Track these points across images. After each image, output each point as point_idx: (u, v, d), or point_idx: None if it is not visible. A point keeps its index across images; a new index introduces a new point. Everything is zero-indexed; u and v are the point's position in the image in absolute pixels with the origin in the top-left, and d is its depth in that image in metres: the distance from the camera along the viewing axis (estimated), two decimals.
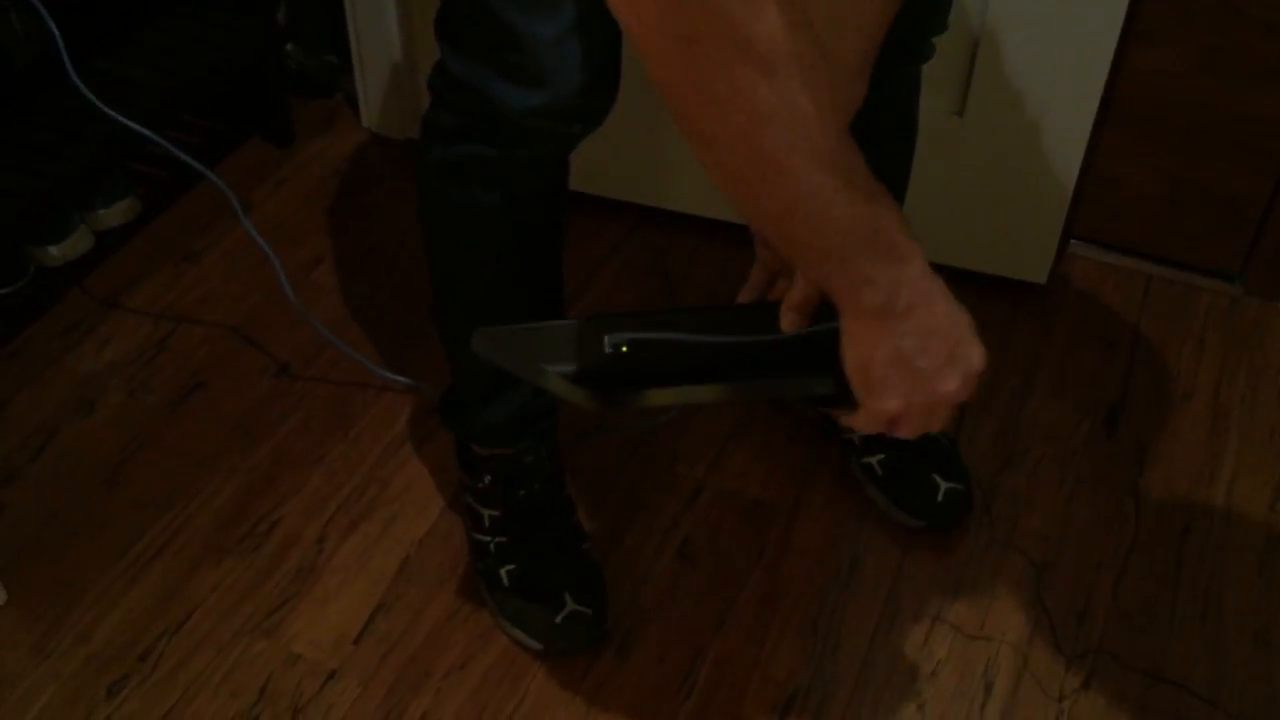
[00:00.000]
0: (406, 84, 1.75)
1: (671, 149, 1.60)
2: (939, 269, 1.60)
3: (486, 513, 1.25)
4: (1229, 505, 1.35)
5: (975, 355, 0.83)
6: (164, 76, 1.59)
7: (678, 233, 1.65)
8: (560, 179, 1.11)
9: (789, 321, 0.87)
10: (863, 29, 0.92)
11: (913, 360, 0.80)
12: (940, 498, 1.31)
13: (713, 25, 0.69)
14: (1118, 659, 1.21)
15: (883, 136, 1.16)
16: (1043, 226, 1.54)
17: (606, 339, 0.86)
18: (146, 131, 1.39)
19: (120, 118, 1.38)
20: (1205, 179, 1.55)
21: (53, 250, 1.54)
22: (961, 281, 1.56)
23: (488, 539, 1.24)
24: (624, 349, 0.86)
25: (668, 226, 1.66)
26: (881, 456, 1.33)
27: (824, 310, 0.87)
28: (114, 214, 1.60)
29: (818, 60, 0.72)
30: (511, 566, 1.22)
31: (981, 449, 1.40)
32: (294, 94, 1.82)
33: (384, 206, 1.70)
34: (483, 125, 1.00)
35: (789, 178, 0.74)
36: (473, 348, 0.88)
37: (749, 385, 0.88)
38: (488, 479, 1.24)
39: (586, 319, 0.89)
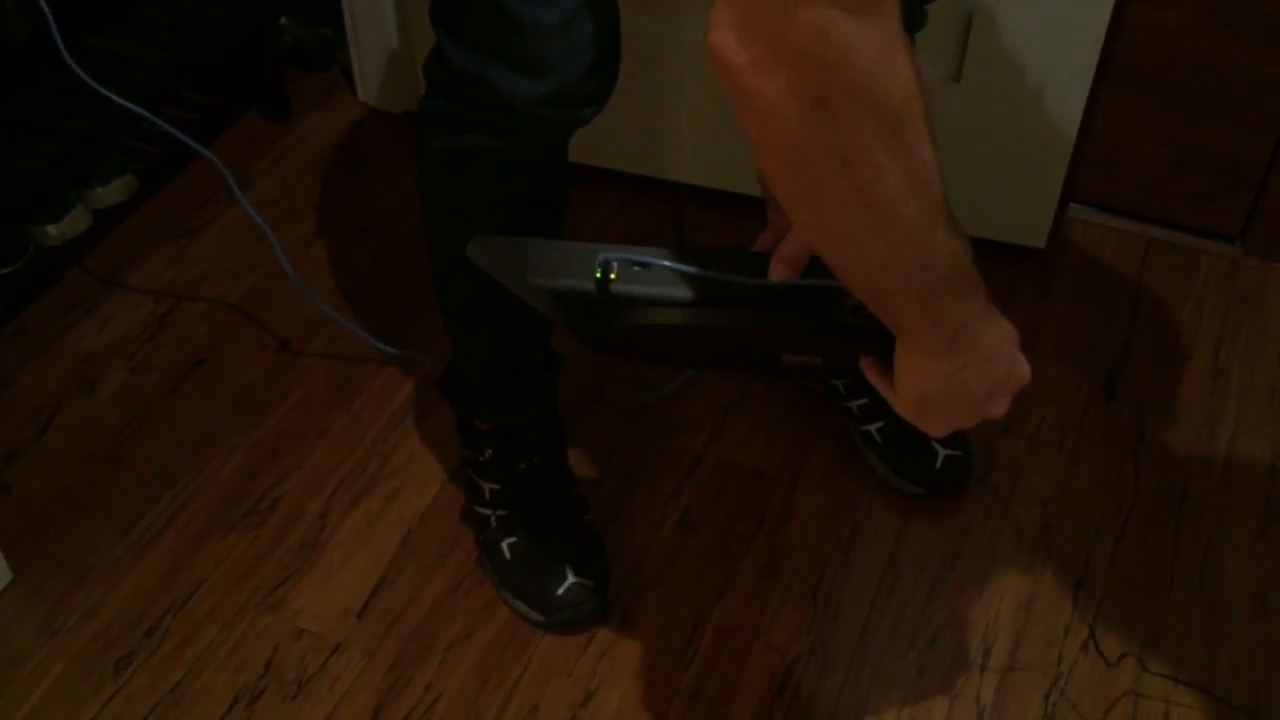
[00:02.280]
0: (403, 57, 1.74)
1: (670, 118, 1.60)
2: None
3: (487, 486, 1.25)
4: (1229, 467, 1.35)
5: (1023, 372, 0.85)
6: (159, 53, 1.58)
7: (678, 203, 1.65)
8: (561, 163, 1.11)
9: (778, 273, 0.86)
10: None
11: (970, 390, 0.81)
12: (939, 464, 1.31)
13: (845, 83, 0.65)
14: (1117, 623, 1.22)
15: None
16: (1042, 190, 1.53)
17: (598, 260, 0.86)
18: (141, 110, 1.39)
19: (114, 96, 1.38)
20: (1205, 140, 1.54)
21: (51, 229, 1.54)
22: None
23: (489, 512, 1.25)
24: (613, 274, 0.86)
25: (668, 197, 1.65)
26: (881, 424, 1.33)
27: (814, 265, 0.86)
28: (112, 192, 1.60)
29: (929, 106, 0.70)
30: (513, 539, 1.23)
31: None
32: (290, 68, 1.81)
33: (382, 180, 1.70)
34: (484, 114, 0.99)
35: (901, 228, 0.72)
36: (468, 253, 0.88)
37: (734, 321, 0.86)
38: (488, 452, 1.25)
39: (586, 243, 0.89)
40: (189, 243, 1.60)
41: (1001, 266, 1.57)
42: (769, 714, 1.15)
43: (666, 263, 0.87)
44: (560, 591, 1.20)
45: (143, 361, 1.46)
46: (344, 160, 1.73)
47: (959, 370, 0.80)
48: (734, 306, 0.87)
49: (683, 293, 0.87)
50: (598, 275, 0.86)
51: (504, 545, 1.23)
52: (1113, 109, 1.55)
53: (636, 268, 0.87)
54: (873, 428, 1.34)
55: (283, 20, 1.82)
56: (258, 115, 1.78)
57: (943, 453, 1.31)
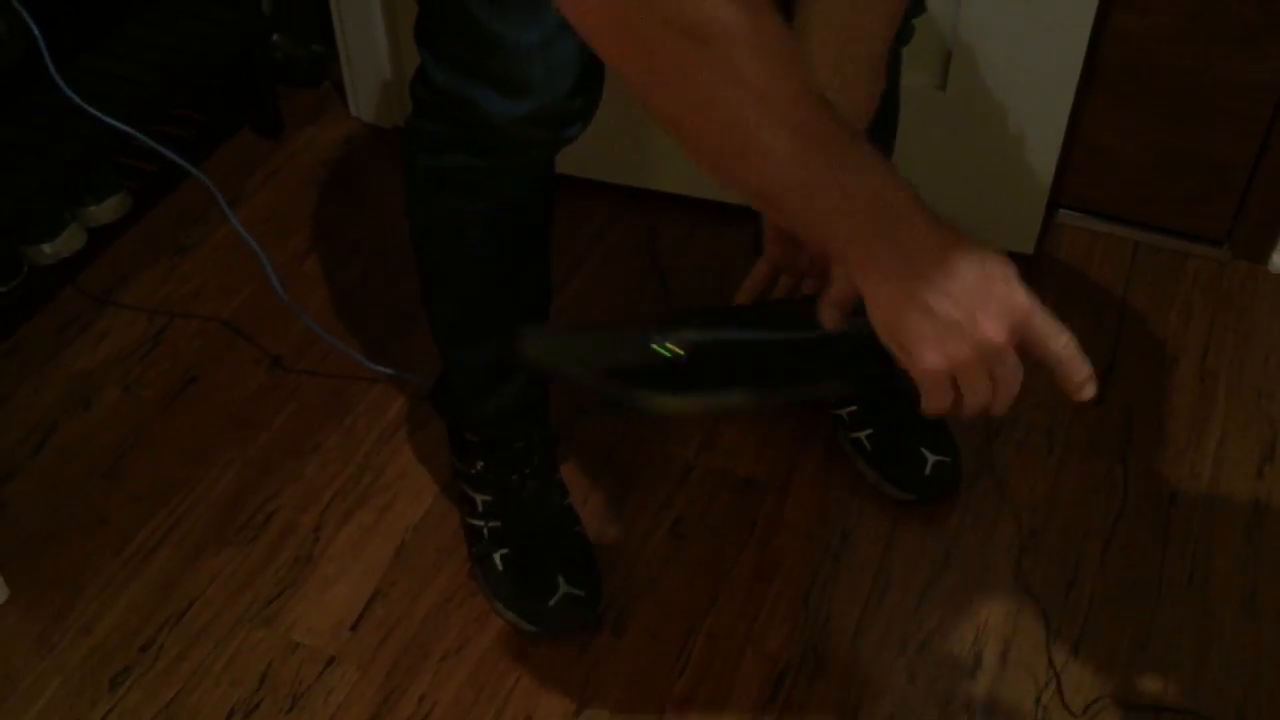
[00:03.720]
0: (394, 72, 1.76)
1: (656, 129, 1.61)
2: None
3: (479, 498, 1.26)
4: (1216, 470, 1.36)
5: (1016, 297, 0.78)
6: (150, 71, 1.59)
7: (665, 213, 1.66)
8: (547, 179, 1.12)
9: (830, 318, 0.86)
10: (884, 19, 0.91)
11: (938, 310, 0.77)
12: (929, 471, 1.32)
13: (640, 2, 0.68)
14: (1106, 626, 1.22)
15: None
16: (1029, 197, 1.54)
17: (657, 341, 0.85)
18: (131, 130, 1.40)
19: (105, 117, 1.39)
20: (1190, 145, 1.55)
21: (45, 248, 1.55)
22: None
23: (481, 524, 1.26)
24: (681, 350, 0.85)
25: (654, 207, 1.67)
26: (870, 431, 1.34)
27: (860, 306, 0.86)
28: (105, 210, 1.61)
29: (767, 30, 0.70)
30: (505, 550, 1.24)
31: (971, 419, 1.41)
32: (282, 84, 1.83)
33: (374, 194, 1.71)
34: (468, 133, 1.00)
35: (763, 153, 0.73)
36: (520, 351, 0.86)
37: (807, 386, 0.87)
38: (479, 464, 1.26)
39: (632, 321, 0.89)
40: (182, 260, 1.61)
41: None
42: None
43: (732, 334, 0.87)
44: (552, 602, 1.21)
45: (137, 379, 1.47)
46: (336, 176, 1.74)
47: (919, 293, 0.77)
48: (808, 369, 0.87)
49: (757, 363, 0.87)
50: (665, 354, 0.85)
51: (496, 557, 1.24)
52: (1098, 115, 1.56)
53: (705, 339, 0.87)
54: (862, 435, 1.34)
55: (274, 37, 1.83)
56: (250, 132, 1.79)
57: (932, 459, 1.32)
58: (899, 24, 0.93)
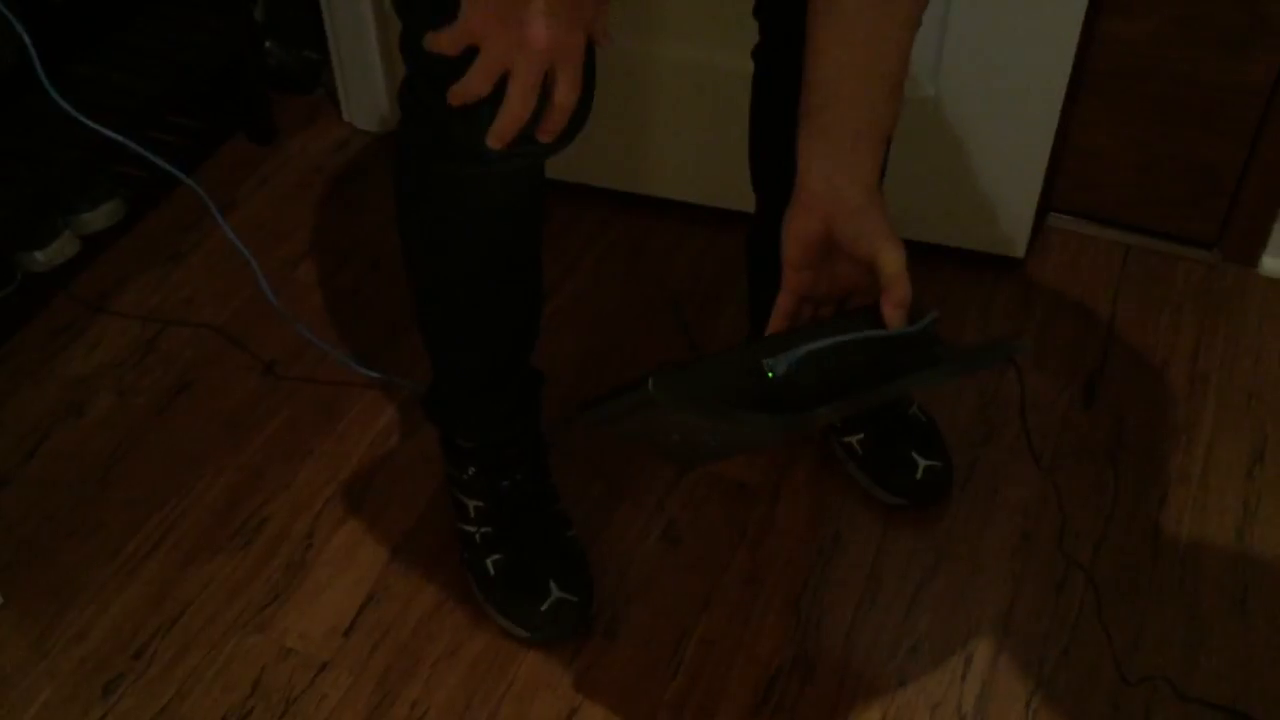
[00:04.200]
0: (387, 78, 1.76)
1: (651, 134, 1.61)
2: (918, 246, 1.62)
3: (471, 503, 1.26)
4: (1206, 473, 1.36)
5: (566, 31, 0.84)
6: (142, 79, 1.60)
7: (657, 218, 1.66)
8: (537, 188, 1.12)
9: (896, 319, 0.90)
10: (903, 28, 0.93)
11: None
12: (919, 475, 1.32)
13: None
14: (1097, 628, 1.23)
15: None
16: (1019, 200, 1.55)
17: (766, 364, 0.87)
18: (124, 139, 1.41)
19: (97, 125, 1.39)
20: (1179, 148, 1.55)
21: (38, 256, 1.56)
22: (940, 258, 1.60)
23: (473, 529, 1.26)
24: (794, 368, 0.87)
25: (647, 212, 1.67)
26: (861, 435, 1.34)
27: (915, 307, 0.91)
28: (98, 217, 1.62)
29: None
30: (497, 556, 1.24)
31: (963, 423, 1.41)
32: (275, 91, 1.83)
33: (368, 200, 1.72)
34: (456, 143, 1.00)
35: None
36: (655, 397, 0.85)
37: (907, 380, 0.89)
38: (472, 470, 1.26)
39: (731, 352, 0.91)
40: (175, 267, 1.61)
41: (981, 276, 1.58)
42: None
43: (829, 341, 0.89)
44: (545, 607, 1.21)
45: (130, 385, 1.47)
46: (330, 182, 1.75)
47: None
48: (899, 367, 0.89)
49: (859, 368, 0.89)
50: (770, 375, 0.87)
51: (488, 562, 1.24)
52: (1088, 119, 1.57)
53: (810, 351, 0.89)
54: (853, 439, 1.35)
55: (267, 44, 1.84)
56: (243, 139, 1.79)
57: (923, 463, 1.32)
58: (917, 29, 0.94)
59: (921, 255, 1.62)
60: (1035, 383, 1.46)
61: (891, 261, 0.91)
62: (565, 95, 0.88)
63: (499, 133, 0.88)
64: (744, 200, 1.31)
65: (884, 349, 0.91)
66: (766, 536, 1.31)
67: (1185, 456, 1.38)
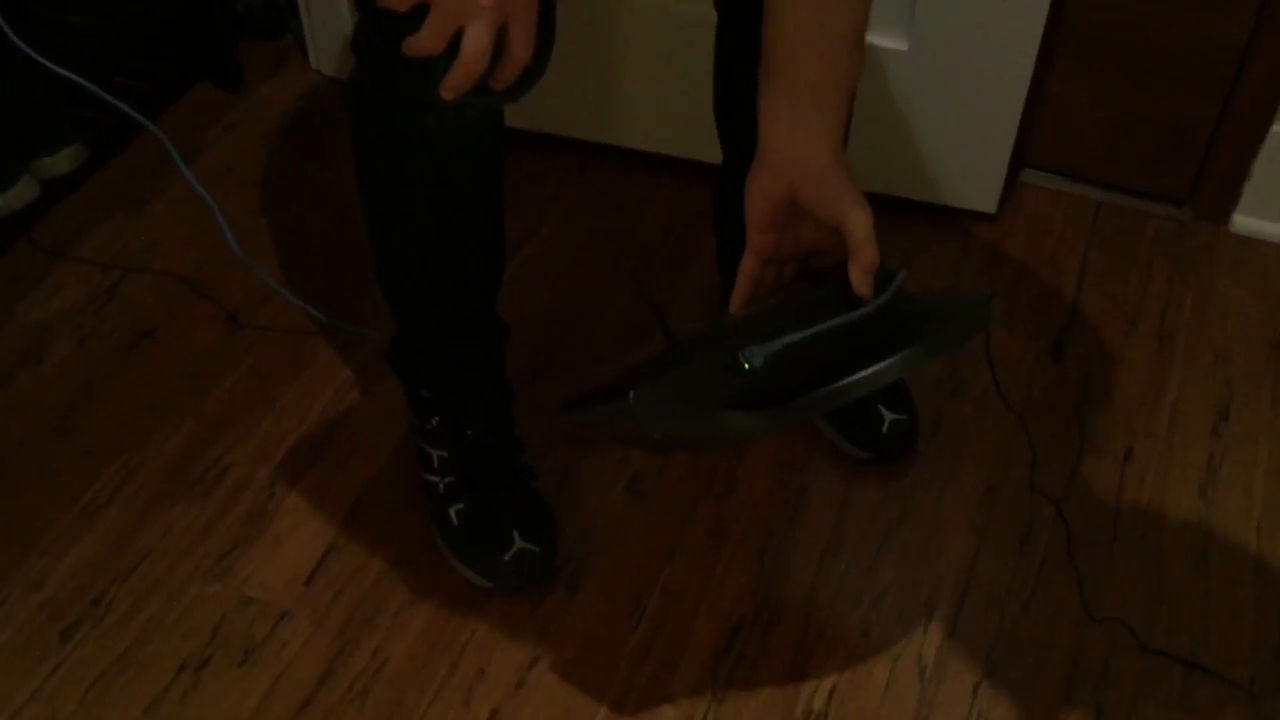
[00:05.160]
0: (355, 24, 1.73)
1: (619, 84, 1.60)
2: (889, 200, 1.62)
3: (435, 453, 1.26)
4: (1172, 429, 1.36)
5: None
6: (103, 22, 1.57)
7: (627, 170, 1.65)
8: (496, 137, 1.10)
9: (865, 285, 0.91)
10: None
11: None
12: (885, 429, 1.32)
13: None
14: (1059, 582, 1.23)
15: None
16: (991, 156, 1.54)
17: (743, 356, 0.86)
18: (85, 82, 1.38)
19: (58, 69, 1.36)
20: (1153, 104, 1.54)
21: None
22: (911, 212, 1.59)
23: (437, 479, 1.25)
24: (771, 360, 0.87)
25: (616, 163, 1.65)
26: None
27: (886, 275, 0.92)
28: (59, 162, 1.59)
29: None
30: (460, 506, 1.23)
31: (930, 378, 1.41)
32: (241, 37, 1.80)
33: (335, 149, 1.69)
34: (408, 91, 0.98)
35: None
36: (635, 411, 0.85)
37: (885, 369, 0.88)
38: (435, 420, 1.25)
39: (705, 341, 0.91)
40: (137, 214, 1.59)
41: (952, 231, 1.58)
42: (714, 675, 1.16)
43: (802, 333, 0.88)
44: (508, 557, 1.21)
45: (90, 333, 1.45)
46: (297, 130, 1.72)
47: None
48: (883, 346, 0.88)
49: (842, 353, 0.88)
50: (747, 368, 0.87)
51: (451, 512, 1.24)
52: (1061, 74, 1.56)
53: (786, 344, 0.88)
54: None
55: None
56: (209, 85, 1.77)
57: (889, 417, 1.32)
58: None
59: (892, 210, 1.62)
60: (1004, 338, 1.46)
61: (859, 226, 0.91)
62: (519, 49, 0.87)
63: (452, 85, 0.86)
64: (714, 152, 1.30)
65: (860, 326, 0.90)
66: (732, 490, 1.31)
67: (1151, 413, 1.38)
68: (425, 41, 0.85)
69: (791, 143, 0.92)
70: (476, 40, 0.84)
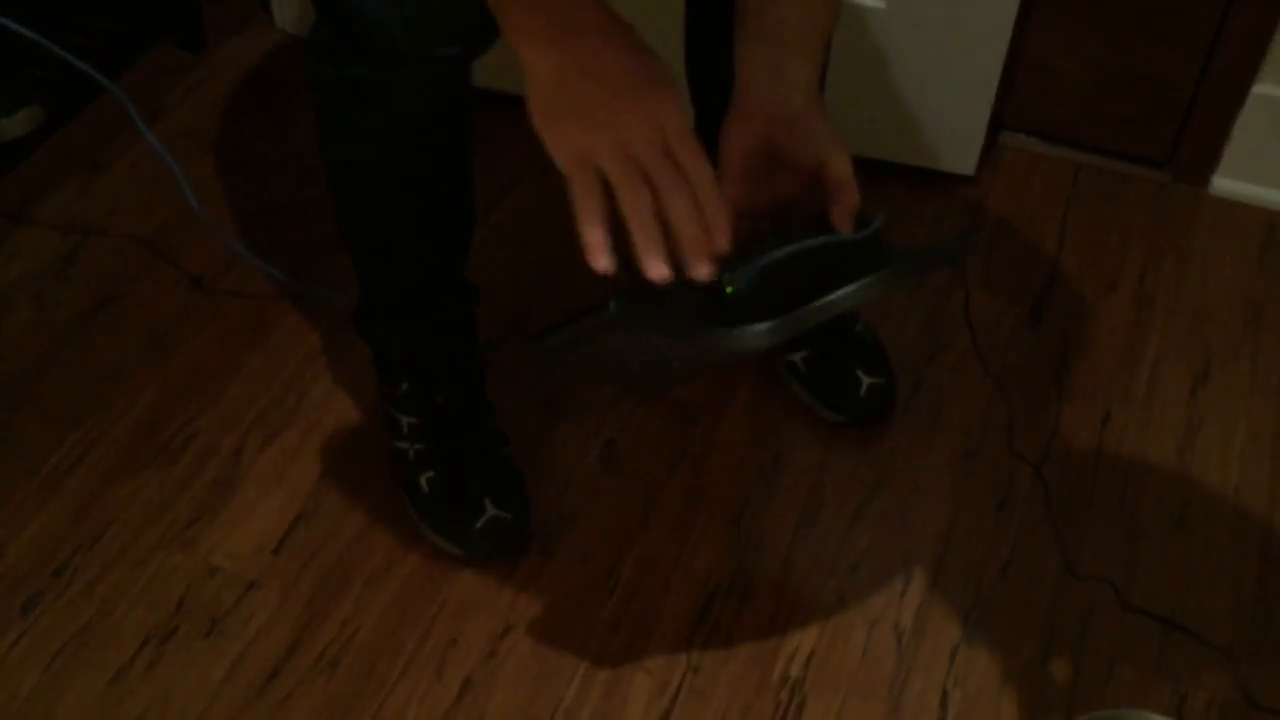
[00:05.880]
0: None
1: None
2: (867, 163, 1.59)
3: (405, 420, 1.23)
4: (1150, 392, 1.35)
5: (665, 100, 0.77)
6: None
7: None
8: (462, 95, 1.07)
9: (846, 223, 0.88)
10: None
11: (582, 92, 0.77)
12: (863, 393, 1.30)
13: None
14: (1037, 545, 1.22)
15: None
16: (971, 117, 1.52)
17: (725, 279, 0.83)
18: (41, 38, 1.34)
19: (13, 25, 1.33)
20: (1134, 65, 1.53)
21: None
22: (890, 175, 1.57)
23: (407, 446, 1.23)
24: (752, 282, 0.84)
25: None
26: (805, 353, 1.32)
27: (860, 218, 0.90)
28: (16, 123, 1.55)
29: None
30: (431, 473, 1.21)
31: (908, 341, 1.39)
32: None
33: (300, 110, 1.65)
34: (364, 45, 0.95)
35: None
36: (617, 317, 0.82)
37: (863, 286, 0.86)
38: (404, 386, 1.22)
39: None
40: (98, 176, 1.55)
41: (931, 193, 1.56)
42: (689, 643, 1.15)
43: (787, 249, 0.86)
44: (479, 525, 1.19)
45: (50, 298, 1.41)
46: (261, 90, 1.68)
47: (563, 57, 0.77)
48: (862, 267, 0.86)
49: (824, 272, 0.86)
50: (729, 291, 0.85)
51: (422, 479, 1.21)
52: (1041, 34, 1.53)
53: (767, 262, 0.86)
54: (797, 357, 1.32)
55: None
56: (171, 44, 1.72)
57: (866, 381, 1.30)
58: None
59: (870, 172, 1.59)
60: (982, 301, 1.44)
61: (839, 167, 0.89)
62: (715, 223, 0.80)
63: (652, 272, 0.79)
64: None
65: (837, 256, 0.88)
66: (707, 456, 1.29)
67: (1130, 376, 1.37)
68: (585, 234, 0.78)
69: (769, 87, 0.89)
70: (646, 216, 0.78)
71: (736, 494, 1.26)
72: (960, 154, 1.55)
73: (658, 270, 0.77)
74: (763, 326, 0.83)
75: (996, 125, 1.62)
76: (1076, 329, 1.41)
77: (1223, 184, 1.57)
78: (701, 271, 0.79)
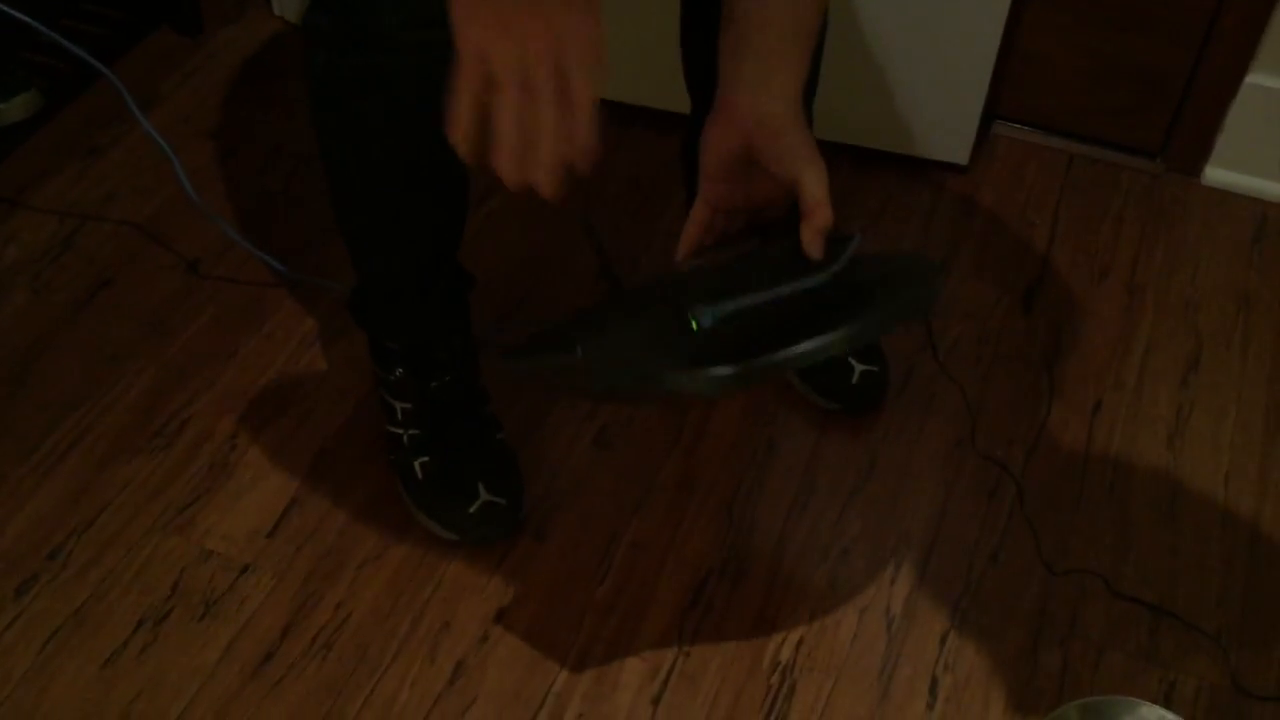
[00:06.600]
0: None
1: None
2: (860, 151, 1.60)
3: (399, 405, 1.24)
4: (1141, 381, 1.36)
5: (581, 25, 0.77)
6: None
7: (589, 216, 1.62)
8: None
9: (816, 246, 0.90)
10: None
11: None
12: (855, 380, 1.31)
13: None
14: (1027, 532, 1.23)
15: None
16: (964, 107, 1.52)
17: (692, 314, 0.86)
18: (39, 24, 1.34)
19: (11, 11, 1.33)
20: (1127, 54, 1.53)
21: None
22: (883, 164, 1.57)
23: (401, 431, 1.23)
24: (719, 322, 0.86)
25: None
26: None
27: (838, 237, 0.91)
28: (14, 109, 1.55)
29: None
30: (425, 458, 1.22)
31: (901, 329, 1.40)
32: None
33: (297, 97, 1.66)
34: (357, 30, 0.96)
35: None
36: (582, 363, 0.85)
37: (839, 336, 0.86)
38: (399, 371, 1.23)
39: (656, 292, 0.89)
40: (95, 162, 1.56)
41: (924, 183, 1.56)
42: (681, 628, 1.15)
43: (758, 297, 0.88)
44: (473, 509, 1.19)
45: (46, 282, 1.42)
46: (258, 77, 1.69)
47: None
48: (844, 309, 0.87)
49: (797, 316, 0.88)
50: (695, 327, 0.86)
51: (416, 465, 1.22)
52: (1035, 24, 1.54)
53: (736, 308, 0.88)
54: None
55: None
56: (168, 30, 1.73)
57: (859, 368, 1.31)
58: None
59: (864, 161, 1.60)
60: (975, 290, 1.45)
61: (814, 186, 0.90)
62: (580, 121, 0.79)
63: (507, 179, 0.79)
64: (682, 102, 1.27)
65: (808, 296, 0.89)
66: (700, 442, 1.30)
67: (1121, 365, 1.38)
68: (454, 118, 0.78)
69: (752, 97, 0.90)
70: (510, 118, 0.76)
71: (729, 480, 1.27)
72: (953, 143, 1.55)
73: (505, 173, 0.78)
74: (723, 371, 0.83)
75: (989, 115, 1.62)
76: (1068, 318, 1.42)
77: (1215, 174, 1.57)
78: (546, 187, 0.79)
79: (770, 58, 0.89)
